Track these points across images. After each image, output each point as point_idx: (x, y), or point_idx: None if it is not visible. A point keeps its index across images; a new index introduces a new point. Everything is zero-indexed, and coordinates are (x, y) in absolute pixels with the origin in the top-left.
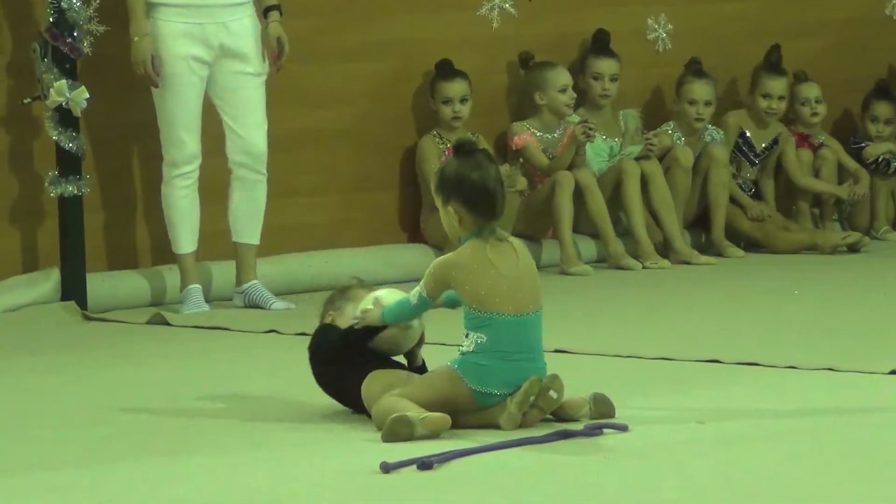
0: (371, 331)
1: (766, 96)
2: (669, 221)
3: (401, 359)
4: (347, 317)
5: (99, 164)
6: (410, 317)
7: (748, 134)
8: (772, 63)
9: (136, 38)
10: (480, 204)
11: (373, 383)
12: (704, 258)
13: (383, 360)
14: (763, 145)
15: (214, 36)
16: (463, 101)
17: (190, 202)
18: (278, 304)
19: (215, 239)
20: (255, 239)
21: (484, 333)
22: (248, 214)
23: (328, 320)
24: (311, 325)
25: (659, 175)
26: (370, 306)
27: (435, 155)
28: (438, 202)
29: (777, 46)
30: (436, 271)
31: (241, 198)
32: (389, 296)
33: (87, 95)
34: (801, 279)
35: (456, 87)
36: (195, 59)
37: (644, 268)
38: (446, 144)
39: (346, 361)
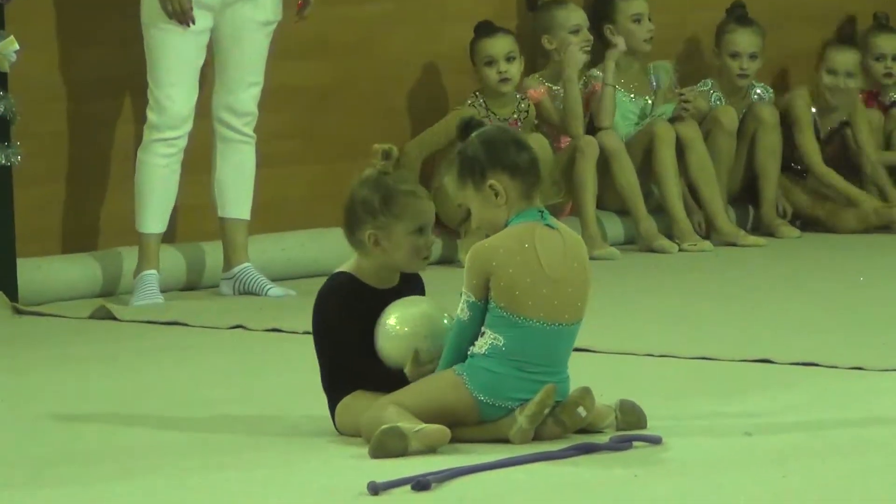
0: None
1: (830, 72)
2: (711, 195)
3: None
4: (397, 244)
5: (32, 129)
6: (470, 334)
7: (815, 116)
8: (844, 36)
9: None
10: (522, 165)
11: (351, 404)
12: (752, 239)
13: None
14: (829, 127)
15: None
16: (509, 59)
17: (168, 174)
18: (275, 289)
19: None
20: (243, 213)
21: (502, 335)
22: (234, 183)
23: (369, 241)
24: (308, 320)
25: (698, 140)
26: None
27: None
28: (469, 191)
29: (852, 19)
30: (473, 263)
31: (225, 163)
32: (432, 319)
33: (17, 47)
34: (868, 264)
35: (499, 44)
36: (201, 5)
37: (681, 250)
38: (490, 118)
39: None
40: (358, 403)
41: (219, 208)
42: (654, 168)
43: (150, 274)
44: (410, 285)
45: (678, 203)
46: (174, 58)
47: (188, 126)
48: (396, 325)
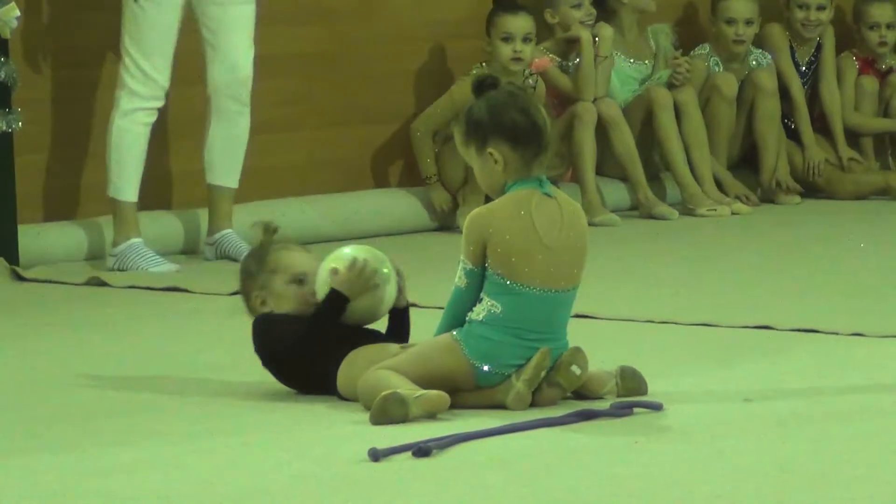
0: (337, 306)
1: (801, 6)
2: (700, 160)
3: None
4: (280, 296)
5: (33, 95)
6: (469, 302)
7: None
8: None
9: None
10: (525, 135)
11: (352, 366)
12: (737, 206)
13: (360, 332)
14: (806, 59)
15: None
16: (526, 39)
17: (145, 142)
18: None
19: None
20: (232, 182)
21: (500, 303)
22: (225, 152)
23: (258, 304)
24: None
25: (692, 105)
26: (336, 270)
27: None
28: (472, 152)
29: None
30: (470, 229)
31: (219, 132)
32: (361, 254)
33: (18, 13)
34: (869, 230)
35: (519, 23)
36: None
37: (694, 214)
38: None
39: (318, 349)
40: (355, 366)
41: (207, 175)
42: (657, 135)
43: (140, 242)
44: None
45: (685, 168)
46: (159, 26)
47: (165, 94)
48: (328, 265)
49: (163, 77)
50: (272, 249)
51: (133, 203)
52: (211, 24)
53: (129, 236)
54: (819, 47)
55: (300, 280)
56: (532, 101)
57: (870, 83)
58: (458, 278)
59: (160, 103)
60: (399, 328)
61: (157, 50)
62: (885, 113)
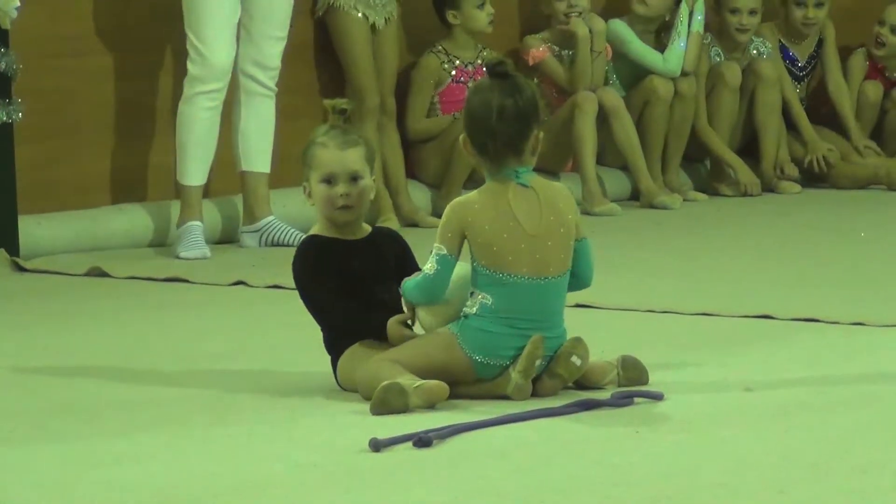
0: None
1: (799, 4)
2: (674, 151)
3: None
4: (314, 193)
5: (33, 85)
6: (439, 290)
7: (788, 47)
8: None
9: None
10: (475, 130)
11: (353, 357)
12: (693, 194)
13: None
14: (807, 54)
15: None
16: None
17: (210, 126)
18: None
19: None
20: (265, 166)
21: (490, 294)
22: (257, 137)
23: (307, 195)
24: None
25: (688, 98)
26: None
27: (433, 77)
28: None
29: None
30: (449, 216)
31: (250, 116)
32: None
33: (18, 3)
34: (869, 219)
35: None
36: None
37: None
38: (453, 63)
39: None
40: (356, 358)
41: (242, 161)
42: (645, 123)
43: (196, 225)
44: (385, 236)
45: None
46: (215, 10)
47: (228, 78)
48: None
49: (220, 58)
50: (313, 144)
51: (194, 187)
52: (250, 9)
53: (186, 219)
54: (820, 42)
55: (328, 181)
56: (502, 102)
57: (873, 90)
58: (430, 265)
59: (220, 84)
60: None
61: (214, 32)
62: (881, 122)
